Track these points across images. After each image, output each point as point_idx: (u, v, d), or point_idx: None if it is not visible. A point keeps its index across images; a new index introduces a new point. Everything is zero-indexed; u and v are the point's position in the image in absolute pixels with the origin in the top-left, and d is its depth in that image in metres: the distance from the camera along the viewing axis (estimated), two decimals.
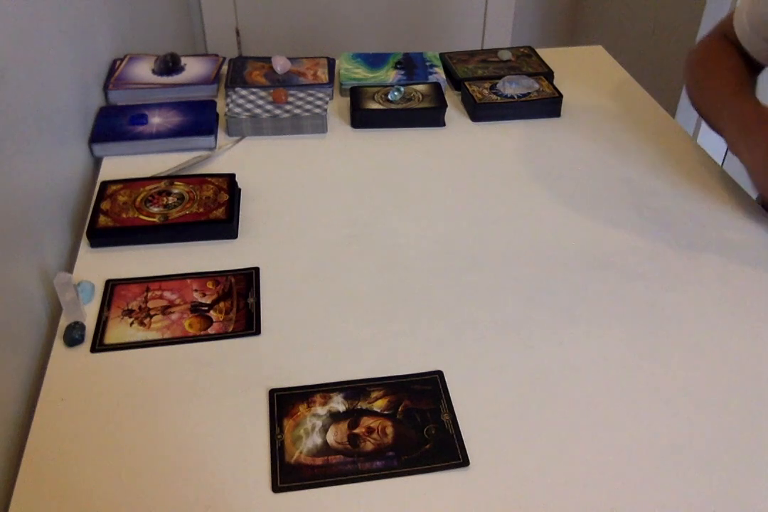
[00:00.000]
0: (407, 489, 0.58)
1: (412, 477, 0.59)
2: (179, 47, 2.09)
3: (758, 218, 0.89)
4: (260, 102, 1.09)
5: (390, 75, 1.20)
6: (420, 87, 1.14)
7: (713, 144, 1.03)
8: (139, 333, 0.72)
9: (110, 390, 0.67)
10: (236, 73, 1.19)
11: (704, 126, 1.78)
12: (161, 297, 0.77)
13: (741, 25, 0.96)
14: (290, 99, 1.10)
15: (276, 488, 0.58)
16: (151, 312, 0.75)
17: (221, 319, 0.74)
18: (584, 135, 1.08)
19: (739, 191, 0.95)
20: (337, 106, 1.16)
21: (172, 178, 0.93)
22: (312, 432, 0.63)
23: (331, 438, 0.62)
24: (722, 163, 1.03)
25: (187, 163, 0.99)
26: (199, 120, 1.06)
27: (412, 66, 1.22)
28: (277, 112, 1.07)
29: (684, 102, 1.91)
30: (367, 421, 0.63)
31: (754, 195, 0.94)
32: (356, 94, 1.12)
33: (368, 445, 0.61)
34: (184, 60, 1.20)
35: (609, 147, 1.05)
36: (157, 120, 1.06)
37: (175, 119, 1.06)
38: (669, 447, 0.61)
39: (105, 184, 0.92)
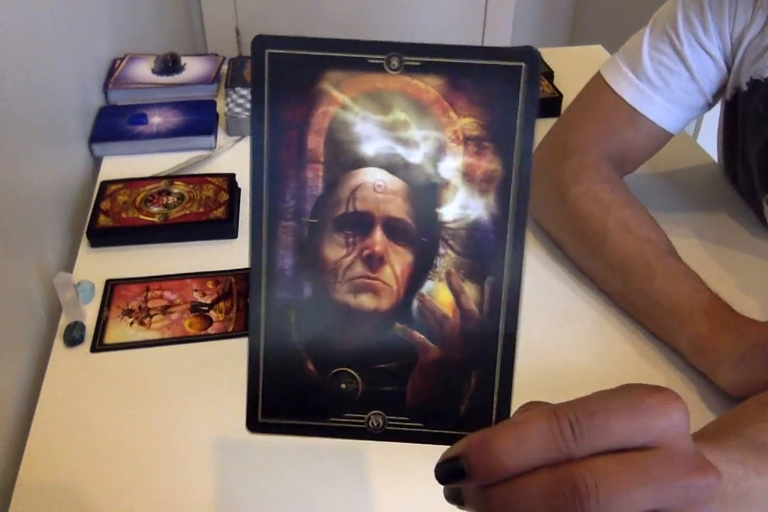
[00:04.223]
0: None
1: None
2: (179, 47, 2.08)
3: (757, 218, 0.89)
4: None
5: None
6: None
7: (713, 144, 1.03)
8: (139, 333, 0.72)
9: (110, 390, 0.67)
10: (236, 72, 1.18)
11: (704, 126, 1.79)
12: (161, 297, 0.77)
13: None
14: None
15: None
16: (151, 312, 0.75)
17: (221, 319, 0.74)
18: None
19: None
20: None
21: (172, 177, 0.93)
22: None
23: None
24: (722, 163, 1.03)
25: (187, 162, 0.98)
26: (198, 120, 1.06)
27: None
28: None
29: None
30: None
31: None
32: None
33: None
34: (183, 59, 1.20)
35: None
36: (157, 120, 1.05)
37: (174, 119, 1.06)
38: None
39: (105, 184, 0.92)
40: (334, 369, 0.34)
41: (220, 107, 1.11)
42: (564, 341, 0.72)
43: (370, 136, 0.33)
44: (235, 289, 0.78)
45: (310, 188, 0.34)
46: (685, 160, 1.01)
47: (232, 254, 0.83)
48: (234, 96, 1.11)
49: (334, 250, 0.34)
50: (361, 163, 0.33)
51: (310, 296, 0.34)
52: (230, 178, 0.92)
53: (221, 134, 1.07)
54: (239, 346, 0.72)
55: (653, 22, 0.82)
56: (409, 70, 0.32)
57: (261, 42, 0.32)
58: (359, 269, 0.34)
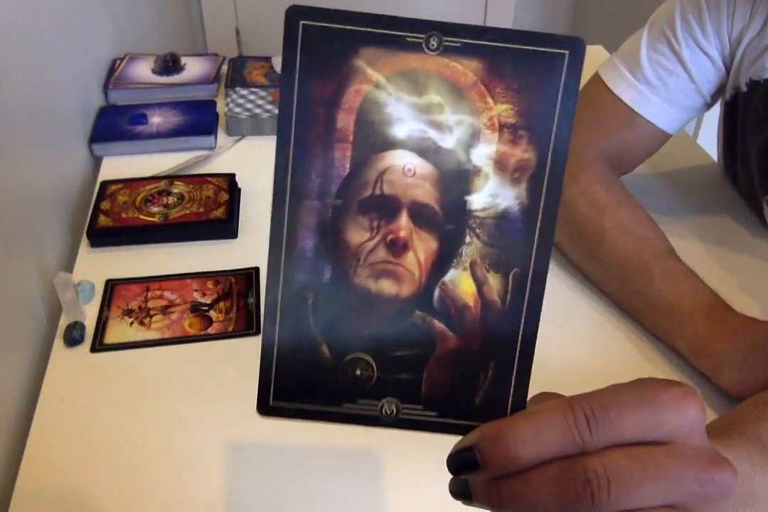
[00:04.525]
0: None
1: None
2: (179, 47, 2.08)
3: (757, 218, 0.89)
4: (260, 102, 1.09)
5: None
6: None
7: (713, 144, 1.03)
8: (139, 333, 0.72)
9: (110, 390, 0.67)
10: (236, 72, 1.18)
11: (704, 126, 1.79)
12: (161, 297, 0.77)
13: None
14: None
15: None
16: (151, 312, 0.75)
17: (221, 319, 0.74)
18: None
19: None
20: None
21: (172, 177, 0.93)
22: None
23: None
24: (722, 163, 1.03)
25: (187, 162, 0.98)
26: (198, 120, 1.06)
27: None
28: (278, 111, 1.07)
29: None
30: None
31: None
32: None
33: None
34: (183, 59, 1.20)
35: None
36: (157, 120, 1.05)
37: (174, 119, 1.06)
38: None
39: (105, 184, 0.92)
40: (350, 354, 0.33)
41: (220, 107, 1.11)
42: (564, 341, 0.72)
43: (403, 118, 0.32)
44: (235, 289, 0.78)
45: (337, 168, 0.32)
46: (685, 160, 1.01)
47: (232, 254, 0.83)
48: (234, 96, 1.11)
49: (358, 233, 0.33)
50: (391, 145, 0.32)
51: (329, 279, 0.33)
52: (230, 178, 0.92)
53: (221, 134, 1.07)
54: (239, 346, 0.72)
55: (651, 23, 0.82)
56: (447, 51, 0.31)
57: (296, 12, 0.31)
58: (382, 254, 0.33)
